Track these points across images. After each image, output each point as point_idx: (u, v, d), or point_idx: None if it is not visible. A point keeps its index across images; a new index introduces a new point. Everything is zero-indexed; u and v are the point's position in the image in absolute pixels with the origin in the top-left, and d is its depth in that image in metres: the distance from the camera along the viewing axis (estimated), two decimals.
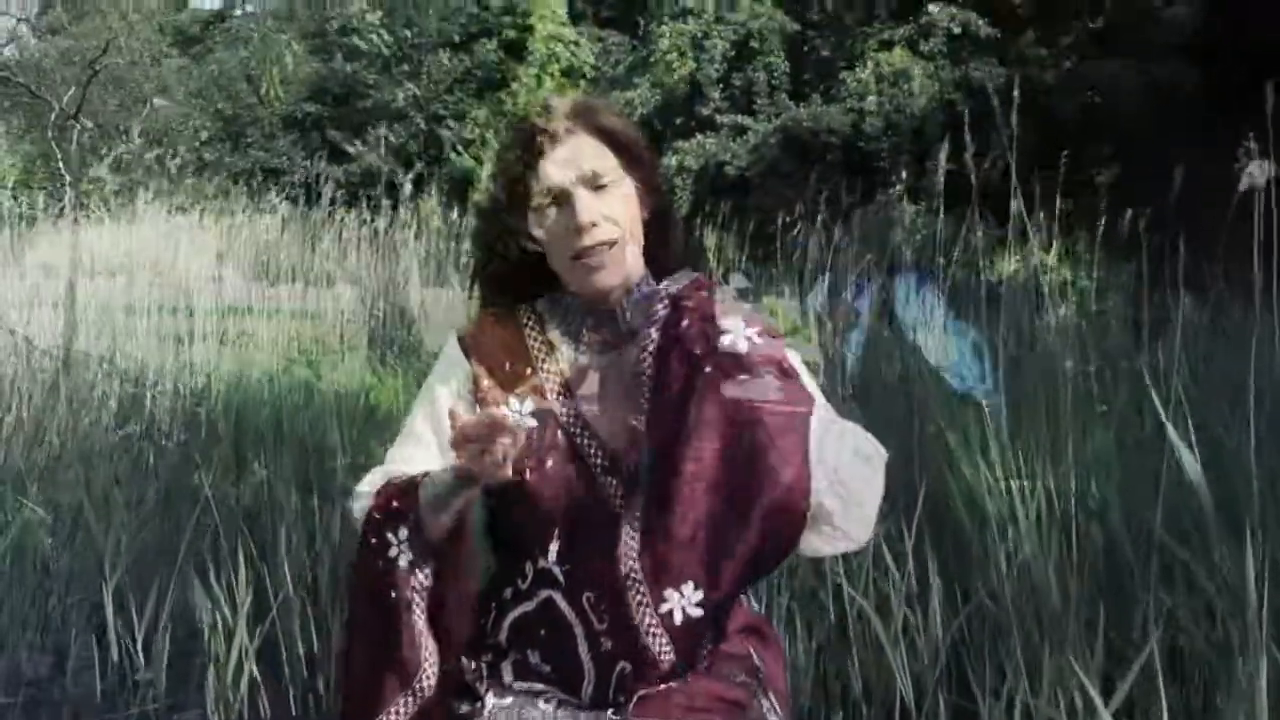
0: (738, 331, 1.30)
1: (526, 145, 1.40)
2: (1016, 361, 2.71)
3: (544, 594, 1.32)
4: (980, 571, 2.10)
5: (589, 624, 1.29)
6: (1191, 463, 1.63)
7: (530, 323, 1.46)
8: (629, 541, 1.29)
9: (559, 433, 1.36)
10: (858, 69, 10.22)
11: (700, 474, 1.26)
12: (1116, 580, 1.99)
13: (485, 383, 1.41)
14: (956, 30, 10.09)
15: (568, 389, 1.39)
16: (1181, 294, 3.38)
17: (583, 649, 1.30)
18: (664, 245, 1.46)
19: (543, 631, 1.32)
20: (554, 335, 1.44)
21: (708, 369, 1.28)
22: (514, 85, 16.16)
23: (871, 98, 9.71)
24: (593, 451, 1.35)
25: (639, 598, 1.27)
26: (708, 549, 1.26)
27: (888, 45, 10.29)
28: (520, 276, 1.46)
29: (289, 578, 2.56)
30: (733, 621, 1.38)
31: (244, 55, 22.52)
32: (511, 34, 16.20)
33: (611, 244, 1.36)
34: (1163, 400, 1.75)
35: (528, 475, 1.32)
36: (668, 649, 1.27)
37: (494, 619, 1.36)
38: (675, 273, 1.39)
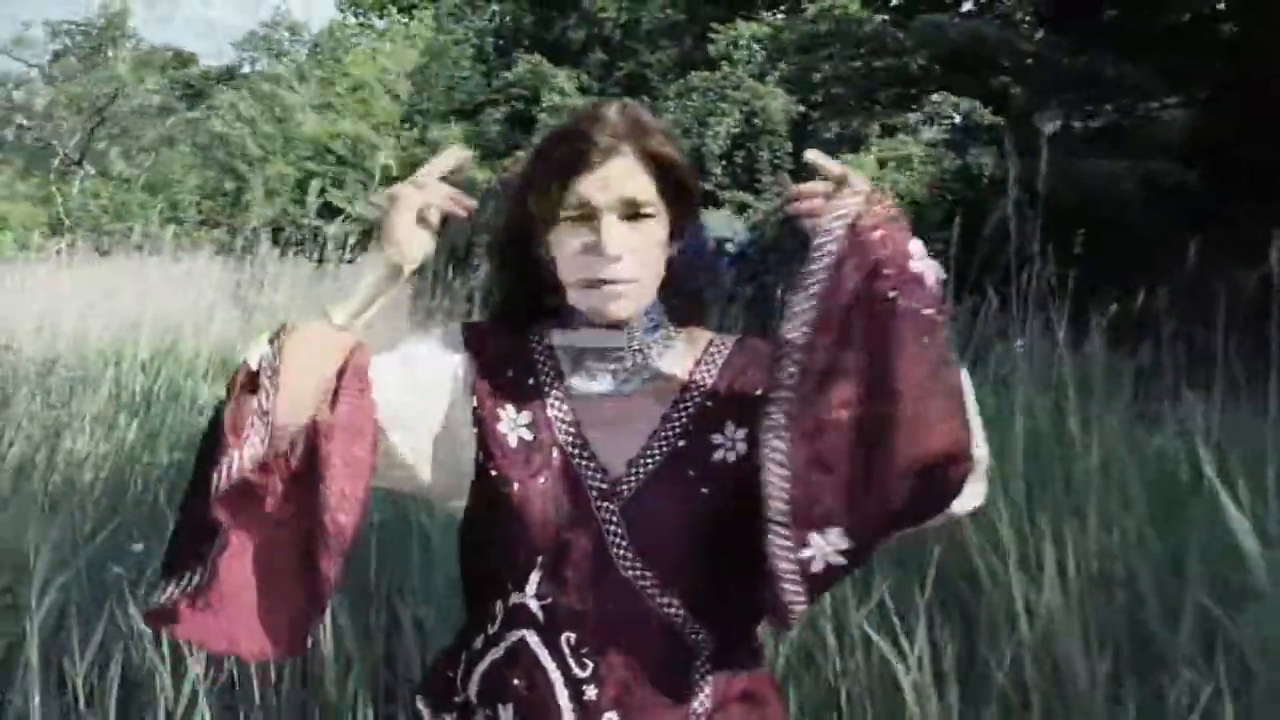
0: (924, 259, 1.16)
1: (567, 153, 1.28)
2: (1034, 434, 2.68)
3: (516, 636, 1.22)
4: (992, 642, 2.04)
5: (567, 669, 1.20)
6: (1241, 521, 1.59)
7: (537, 338, 1.37)
8: (775, 478, 1.15)
9: (555, 450, 1.28)
10: (860, 153, 10.33)
11: (855, 409, 1.14)
12: (1145, 653, 1.92)
13: (481, 385, 1.31)
14: (958, 119, 10.23)
15: (570, 408, 1.31)
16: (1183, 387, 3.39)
17: (562, 697, 1.20)
18: (682, 288, 1.37)
19: (515, 681, 1.21)
20: (560, 353, 1.35)
21: (894, 295, 1.14)
22: (518, 154, 16.30)
23: (873, 181, 9.79)
24: (590, 474, 1.26)
25: (780, 540, 1.15)
26: (860, 494, 1.14)
27: (890, 131, 10.42)
28: (533, 295, 1.36)
29: None
30: (732, 686, 1.26)
31: (253, 110, 22.71)
32: (519, 105, 16.36)
33: (629, 284, 1.28)
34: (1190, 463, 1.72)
35: (514, 489, 1.25)
36: (800, 599, 1.17)
37: (463, 673, 1.27)
38: (688, 315, 1.36)
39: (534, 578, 1.22)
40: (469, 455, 1.30)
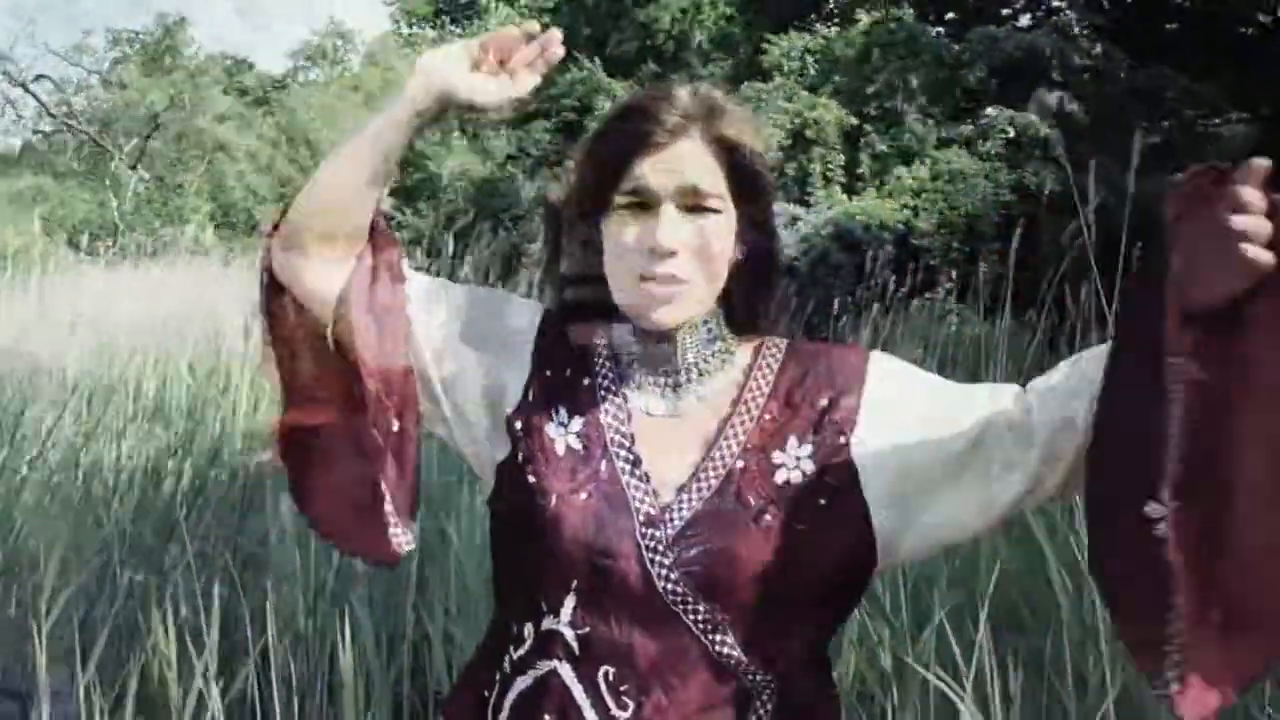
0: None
1: (629, 130, 1.15)
2: None
3: (547, 666, 1.11)
4: (1060, 675, 1.92)
5: (604, 709, 1.08)
6: None
7: (602, 343, 1.24)
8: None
9: (604, 465, 1.15)
10: (914, 165, 10.19)
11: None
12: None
13: (539, 378, 1.21)
14: (1012, 133, 10.07)
15: (627, 420, 1.18)
16: None
17: None
18: (748, 297, 1.22)
19: (546, 716, 1.10)
20: (624, 362, 1.22)
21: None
22: (567, 164, 16.24)
23: (925, 194, 9.67)
24: (639, 496, 1.13)
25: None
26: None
27: (945, 144, 10.27)
28: (597, 286, 1.21)
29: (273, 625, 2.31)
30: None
31: (305, 119, 22.94)
32: (571, 115, 16.35)
33: (683, 284, 1.14)
34: None
35: (551, 501, 1.13)
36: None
37: (496, 695, 1.15)
38: (751, 328, 1.22)
39: (568, 603, 1.11)
40: (496, 445, 1.21)
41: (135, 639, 2.32)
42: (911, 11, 11.51)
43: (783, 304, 1.28)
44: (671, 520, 1.11)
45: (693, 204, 1.14)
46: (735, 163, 1.16)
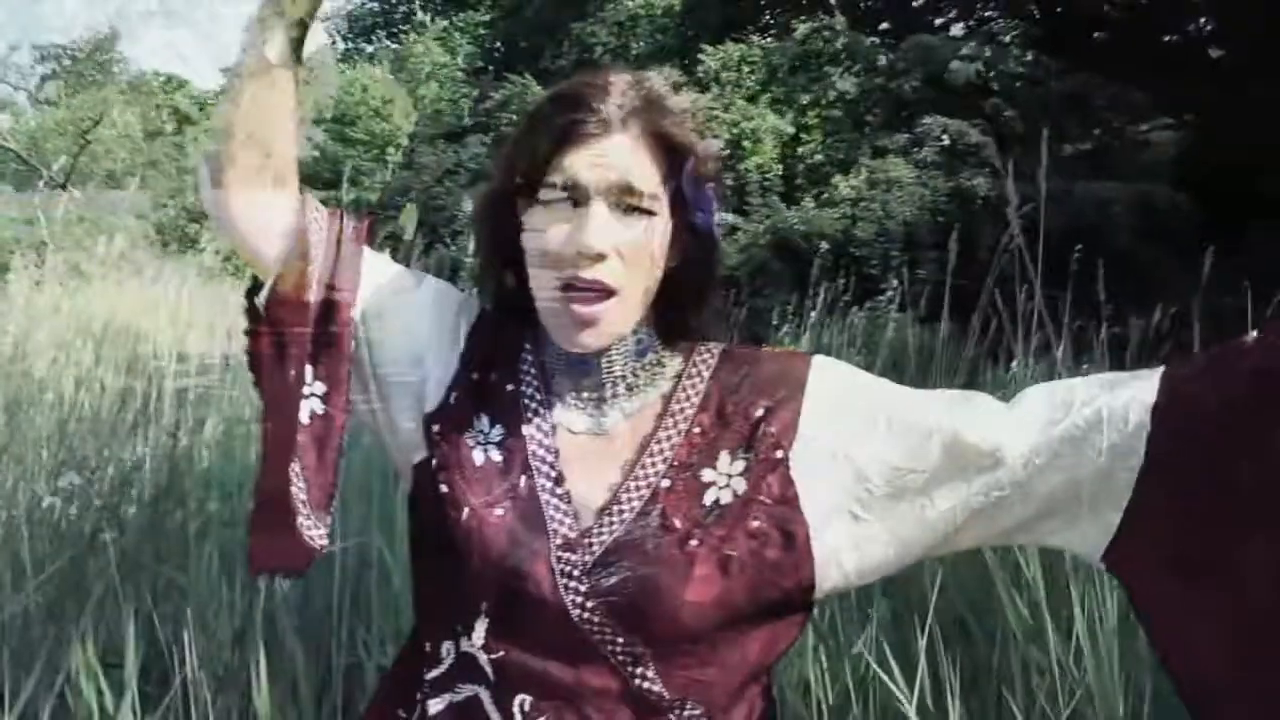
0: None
1: (561, 122, 1.05)
2: None
3: (469, 690, 1.04)
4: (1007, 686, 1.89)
5: None
6: None
7: (529, 349, 1.15)
8: None
9: (524, 480, 1.06)
10: (851, 174, 10.25)
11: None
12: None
13: (464, 377, 1.12)
14: (947, 141, 10.17)
15: (553, 434, 1.09)
16: None
17: None
18: (682, 308, 1.12)
19: None
20: (549, 372, 1.13)
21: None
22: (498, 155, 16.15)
23: (863, 203, 9.74)
24: (558, 518, 1.04)
25: None
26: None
27: (881, 152, 10.35)
28: (523, 284, 1.10)
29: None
30: None
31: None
32: (506, 130, 16.28)
33: (610, 294, 1.04)
34: None
35: (463, 516, 1.04)
36: None
37: (419, 713, 1.08)
38: (683, 338, 1.12)
39: (480, 626, 1.02)
40: (416, 444, 1.12)
41: (51, 672, 2.21)
42: (844, 20, 11.61)
43: (720, 315, 1.20)
44: (590, 545, 1.02)
45: (626, 204, 1.04)
46: (675, 162, 1.07)
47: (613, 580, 1.01)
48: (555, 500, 1.05)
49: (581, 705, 1.01)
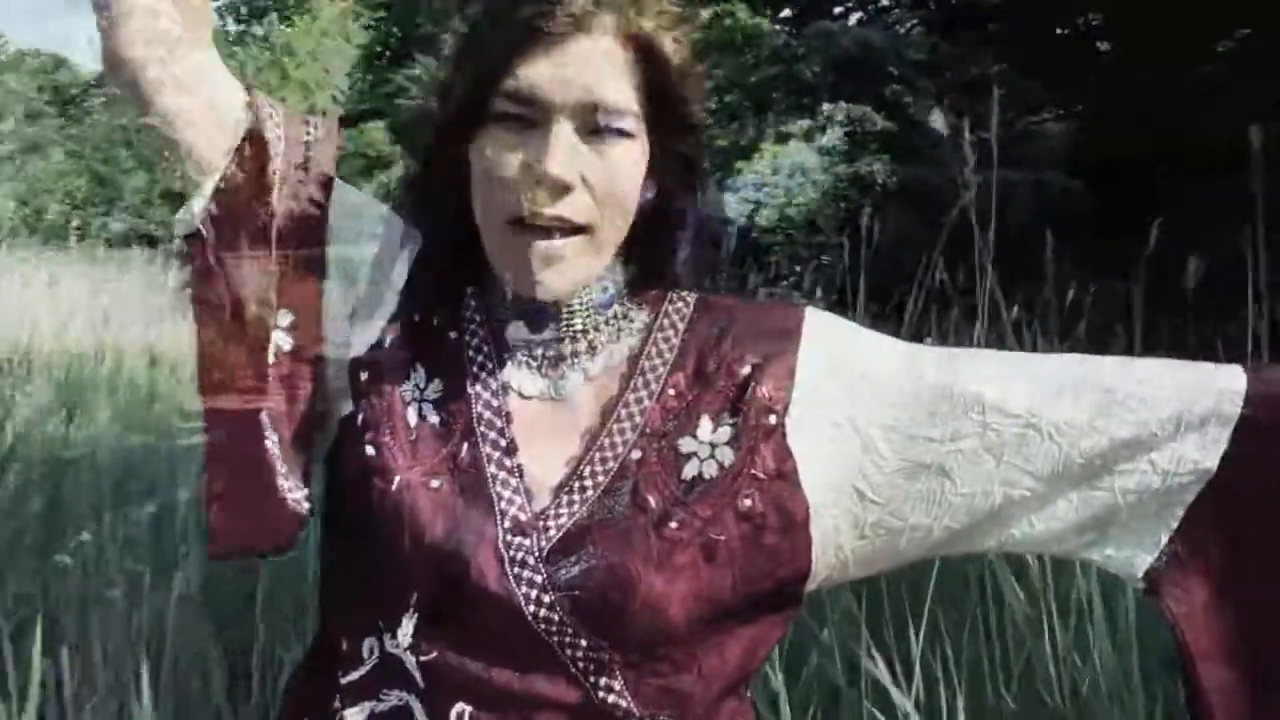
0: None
1: (518, 18, 0.86)
2: None
3: (395, 697, 0.88)
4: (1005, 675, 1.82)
5: None
6: None
7: (473, 294, 0.98)
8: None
9: (466, 447, 0.90)
10: (754, 159, 10.26)
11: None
12: None
13: (400, 321, 0.95)
14: (849, 127, 10.24)
15: (503, 396, 0.93)
16: None
17: None
18: (654, 251, 0.96)
19: None
20: (501, 326, 0.96)
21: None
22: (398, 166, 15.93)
23: (767, 188, 9.77)
24: (507, 495, 0.88)
25: None
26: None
27: (784, 138, 10.37)
28: (469, 226, 0.93)
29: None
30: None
31: (125, 120, 21.98)
32: (405, 115, 15.99)
33: (578, 231, 0.88)
34: None
35: (392, 486, 0.88)
36: None
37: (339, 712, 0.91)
38: (653, 287, 0.97)
39: (408, 622, 0.85)
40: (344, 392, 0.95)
41: None
42: (744, 6, 11.60)
43: (702, 264, 0.99)
44: (546, 528, 0.86)
45: (597, 124, 0.87)
46: (658, 71, 0.89)
47: (574, 570, 0.85)
48: (504, 474, 0.89)
49: (531, 718, 0.86)
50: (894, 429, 0.90)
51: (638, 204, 0.92)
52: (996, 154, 3.33)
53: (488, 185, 0.89)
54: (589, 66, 0.86)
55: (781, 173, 9.91)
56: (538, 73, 0.86)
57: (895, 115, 10.07)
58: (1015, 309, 3.83)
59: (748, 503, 0.87)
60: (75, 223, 18.08)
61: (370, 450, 0.90)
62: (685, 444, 0.90)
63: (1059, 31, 12.19)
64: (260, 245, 0.95)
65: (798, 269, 8.13)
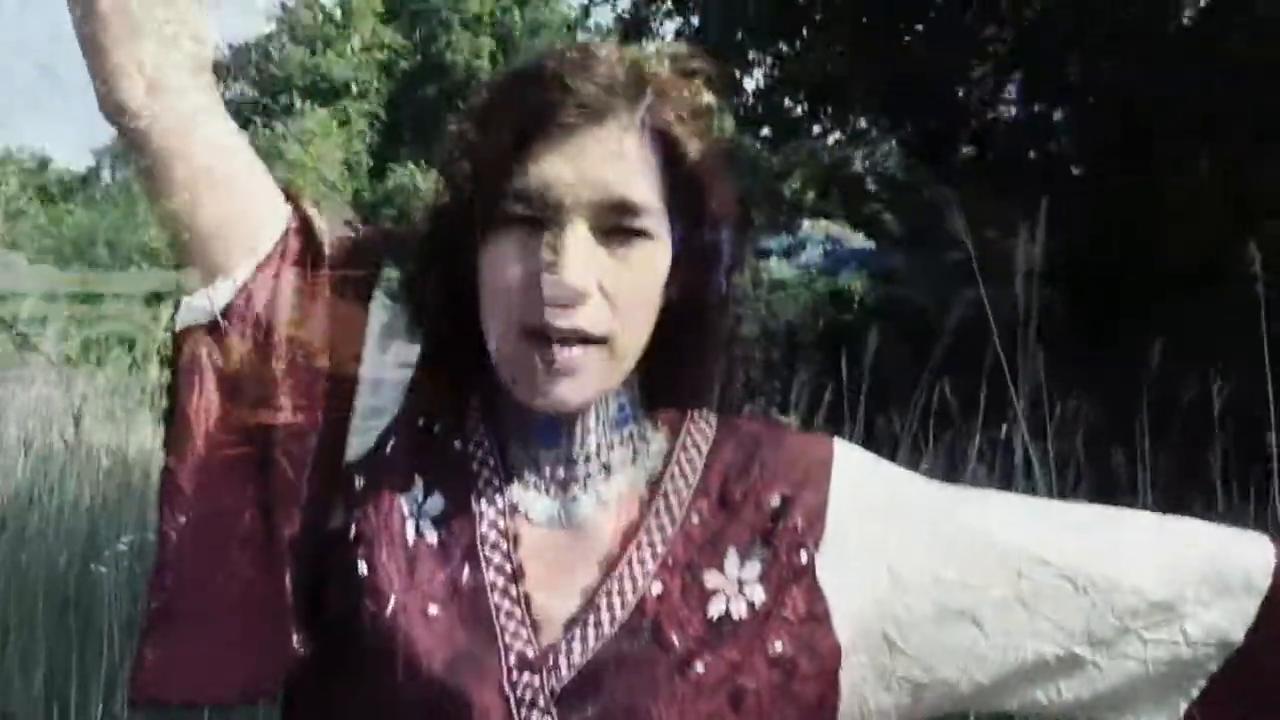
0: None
1: (526, 107, 0.79)
2: None
3: None
4: None
5: None
6: None
7: (477, 405, 0.90)
8: None
9: (467, 570, 0.82)
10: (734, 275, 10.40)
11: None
12: None
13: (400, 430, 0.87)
14: (829, 247, 10.39)
15: (510, 518, 0.85)
16: None
17: None
18: (675, 362, 0.89)
19: None
20: (507, 442, 0.88)
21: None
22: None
23: (747, 302, 9.89)
24: (511, 627, 0.81)
25: None
26: None
27: (763, 254, 10.49)
28: (474, 331, 0.85)
29: None
30: None
31: (107, 220, 22.10)
32: (391, 223, 16.13)
33: (593, 342, 0.81)
34: None
35: (386, 611, 0.80)
36: None
37: None
38: (670, 405, 0.90)
39: None
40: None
41: None
42: (732, 122, 11.86)
43: (728, 376, 0.93)
44: (557, 666, 0.79)
45: (614, 224, 0.81)
46: (677, 162, 0.83)
47: (589, 714, 0.78)
48: (508, 604, 0.81)
49: None
50: (927, 572, 0.85)
51: (661, 311, 0.86)
52: (978, 271, 3.34)
53: (495, 293, 0.82)
54: (604, 161, 0.80)
55: (762, 287, 10.03)
56: (548, 170, 0.79)
57: (873, 233, 10.23)
58: (1004, 426, 3.82)
59: (778, 646, 0.82)
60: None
61: (362, 567, 0.82)
62: (711, 579, 0.84)
63: (1032, 155, 12.47)
64: (295, 352, 0.87)
65: (777, 384, 8.15)
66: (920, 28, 11.90)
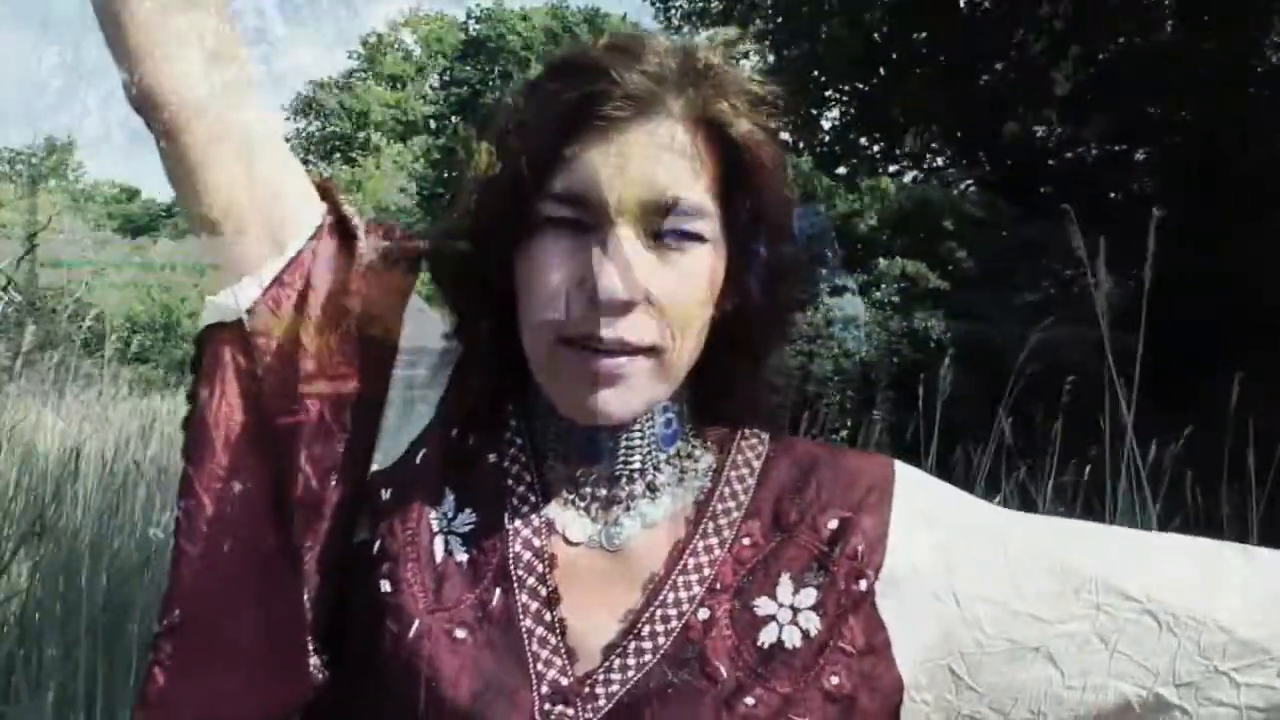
0: None
1: (569, 100, 0.72)
2: None
3: None
4: None
5: None
6: None
7: (514, 413, 0.84)
8: None
9: (498, 593, 0.76)
10: (808, 312, 10.33)
11: None
12: None
13: (432, 440, 0.82)
14: (904, 284, 10.28)
15: (546, 537, 0.79)
16: None
17: None
18: (729, 375, 0.82)
19: None
20: (546, 455, 0.83)
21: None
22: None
23: (820, 340, 9.80)
24: (545, 654, 0.75)
25: None
26: None
27: (839, 291, 10.44)
28: (510, 339, 0.80)
29: None
30: None
31: (189, 249, 22.68)
32: None
33: (642, 353, 0.74)
34: None
35: (410, 633, 0.74)
36: None
37: None
38: (720, 423, 0.83)
39: None
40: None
41: None
42: (810, 160, 11.82)
43: (779, 396, 0.87)
44: (594, 696, 0.73)
45: (663, 227, 0.73)
46: (734, 160, 0.75)
47: None
48: (542, 630, 0.75)
49: None
50: (997, 602, 0.78)
51: (713, 319, 0.78)
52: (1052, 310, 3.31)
53: (535, 300, 0.75)
54: (653, 158, 0.72)
55: (835, 325, 9.95)
56: (592, 167, 0.72)
57: (950, 272, 10.12)
58: (1087, 467, 3.75)
59: (835, 680, 0.75)
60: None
61: (386, 585, 0.76)
62: (763, 605, 0.77)
63: (1112, 196, 12.29)
64: (325, 355, 0.82)
65: (848, 421, 8.08)
66: (999, 66, 11.83)
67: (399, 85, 25.54)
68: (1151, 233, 3.10)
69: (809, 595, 0.77)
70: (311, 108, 25.52)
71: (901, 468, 0.84)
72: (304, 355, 0.80)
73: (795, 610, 0.76)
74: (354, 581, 0.79)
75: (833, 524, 0.79)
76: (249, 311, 0.81)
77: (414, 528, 0.78)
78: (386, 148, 22.83)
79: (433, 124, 22.92)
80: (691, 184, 0.73)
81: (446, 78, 25.25)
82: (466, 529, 0.78)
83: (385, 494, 0.80)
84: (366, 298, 0.82)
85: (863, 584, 0.78)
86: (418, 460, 0.81)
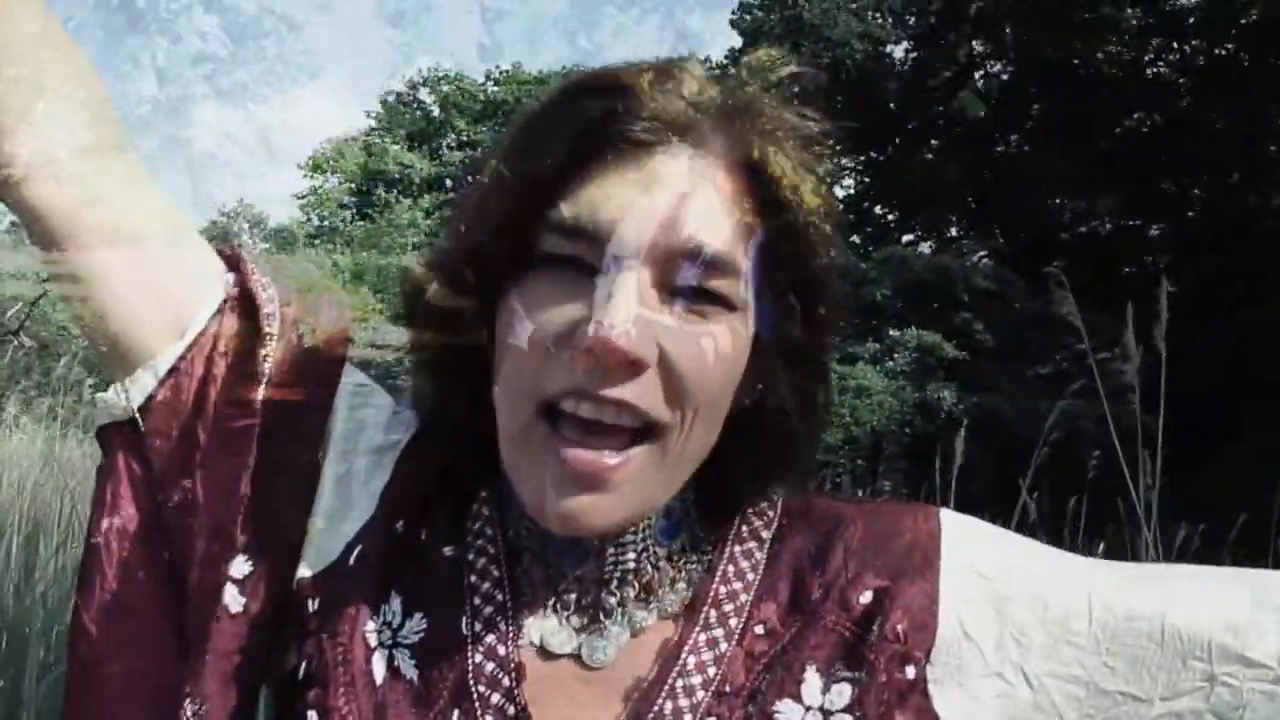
0: None
1: (585, 118, 0.58)
2: None
3: None
4: None
5: None
6: None
7: (486, 499, 0.69)
8: None
9: (457, 714, 0.61)
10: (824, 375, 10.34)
11: None
12: None
13: (373, 534, 0.66)
14: (917, 355, 10.25)
15: (512, 646, 0.63)
16: None
17: None
18: (748, 468, 0.65)
19: None
20: (521, 551, 0.67)
21: None
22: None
23: (831, 409, 9.83)
24: None
25: None
26: None
27: (851, 359, 10.38)
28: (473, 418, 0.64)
29: None
30: None
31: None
32: None
33: (640, 436, 0.59)
34: None
35: None
36: None
37: None
38: (732, 512, 0.67)
39: None
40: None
41: None
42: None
43: (804, 475, 0.71)
44: None
45: (685, 280, 0.58)
46: (780, 209, 0.60)
47: None
48: None
49: None
50: (1079, 680, 0.63)
51: (731, 407, 0.63)
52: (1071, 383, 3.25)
53: (514, 351, 0.60)
54: (680, 195, 0.58)
55: (848, 394, 9.88)
56: (604, 195, 0.57)
57: (964, 343, 10.07)
58: (1101, 543, 3.67)
59: None
60: None
61: (313, 717, 0.62)
62: (785, 710, 0.61)
63: (1127, 270, 12.28)
64: (227, 453, 0.68)
65: (859, 492, 7.98)
66: (1014, 139, 11.88)
67: (415, 145, 25.73)
68: (1163, 302, 3.06)
69: (843, 693, 0.61)
70: (328, 165, 25.68)
71: (948, 516, 0.68)
72: (207, 455, 0.68)
73: (827, 714, 0.61)
74: (283, 716, 0.65)
75: (866, 597, 0.64)
76: (143, 409, 0.69)
77: (346, 643, 0.63)
78: (397, 205, 22.95)
79: (448, 183, 23.04)
80: (723, 233, 0.58)
81: (464, 138, 25.45)
82: (415, 638, 0.64)
83: (312, 606, 0.66)
84: (281, 378, 0.69)
85: (910, 671, 0.62)
86: (352, 561, 0.67)
